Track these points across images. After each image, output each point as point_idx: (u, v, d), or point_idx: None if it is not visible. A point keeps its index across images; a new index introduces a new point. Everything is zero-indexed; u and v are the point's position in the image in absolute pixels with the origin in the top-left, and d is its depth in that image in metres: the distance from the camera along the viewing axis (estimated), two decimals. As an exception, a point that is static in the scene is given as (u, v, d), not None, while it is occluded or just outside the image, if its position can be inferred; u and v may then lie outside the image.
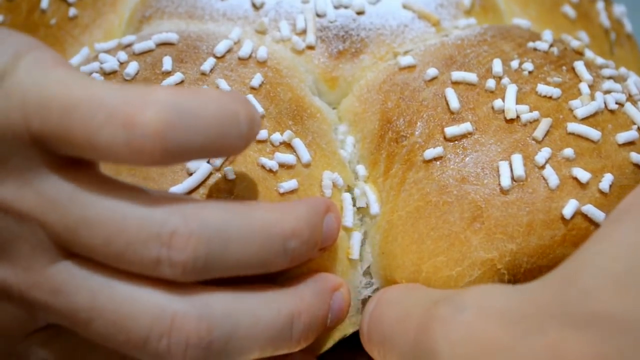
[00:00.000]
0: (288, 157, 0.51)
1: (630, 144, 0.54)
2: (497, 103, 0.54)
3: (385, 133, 0.55)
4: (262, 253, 0.43)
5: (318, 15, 0.60)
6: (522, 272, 0.51)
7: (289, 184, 0.51)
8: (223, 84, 0.54)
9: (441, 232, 0.51)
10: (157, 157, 0.39)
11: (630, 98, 0.57)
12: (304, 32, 0.60)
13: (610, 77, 0.57)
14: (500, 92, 0.54)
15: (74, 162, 0.42)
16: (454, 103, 0.54)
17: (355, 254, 0.52)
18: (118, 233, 0.41)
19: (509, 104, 0.53)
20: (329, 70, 0.59)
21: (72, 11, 0.64)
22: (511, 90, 0.54)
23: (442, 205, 0.51)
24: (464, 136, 0.53)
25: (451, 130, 0.53)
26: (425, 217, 0.51)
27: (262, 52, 0.56)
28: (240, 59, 0.56)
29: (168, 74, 0.54)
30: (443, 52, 0.58)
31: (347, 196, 0.52)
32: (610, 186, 0.52)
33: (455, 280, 0.50)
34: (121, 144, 0.39)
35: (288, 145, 0.52)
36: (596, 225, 0.51)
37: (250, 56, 0.56)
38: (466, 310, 0.40)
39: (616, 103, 0.55)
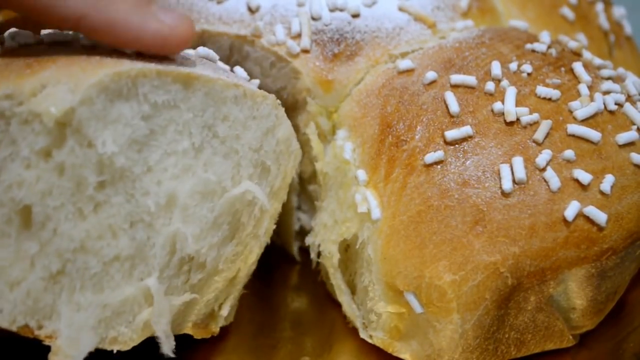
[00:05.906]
0: None
1: (630, 144, 0.54)
2: (497, 106, 0.53)
3: (385, 137, 0.54)
4: None
5: (313, 19, 0.60)
6: (525, 275, 0.51)
7: None
8: None
9: (443, 237, 0.50)
10: None
11: (629, 98, 0.57)
12: (299, 36, 0.59)
13: (609, 78, 0.57)
14: (499, 94, 0.54)
15: None
16: (454, 107, 0.54)
17: None
18: None
19: (509, 106, 0.53)
20: (324, 74, 0.59)
21: None
22: (510, 93, 0.54)
23: (443, 209, 0.51)
24: (464, 140, 0.53)
25: (451, 134, 0.53)
26: (427, 221, 0.51)
27: None
28: None
29: None
30: (441, 55, 0.58)
31: None
32: (612, 187, 0.52)
33: (459, 284, 0.50)
34: None
35: None
36: (598, 226, 0.51)
37: None
38: None
39: (615, 104, 0.55)
